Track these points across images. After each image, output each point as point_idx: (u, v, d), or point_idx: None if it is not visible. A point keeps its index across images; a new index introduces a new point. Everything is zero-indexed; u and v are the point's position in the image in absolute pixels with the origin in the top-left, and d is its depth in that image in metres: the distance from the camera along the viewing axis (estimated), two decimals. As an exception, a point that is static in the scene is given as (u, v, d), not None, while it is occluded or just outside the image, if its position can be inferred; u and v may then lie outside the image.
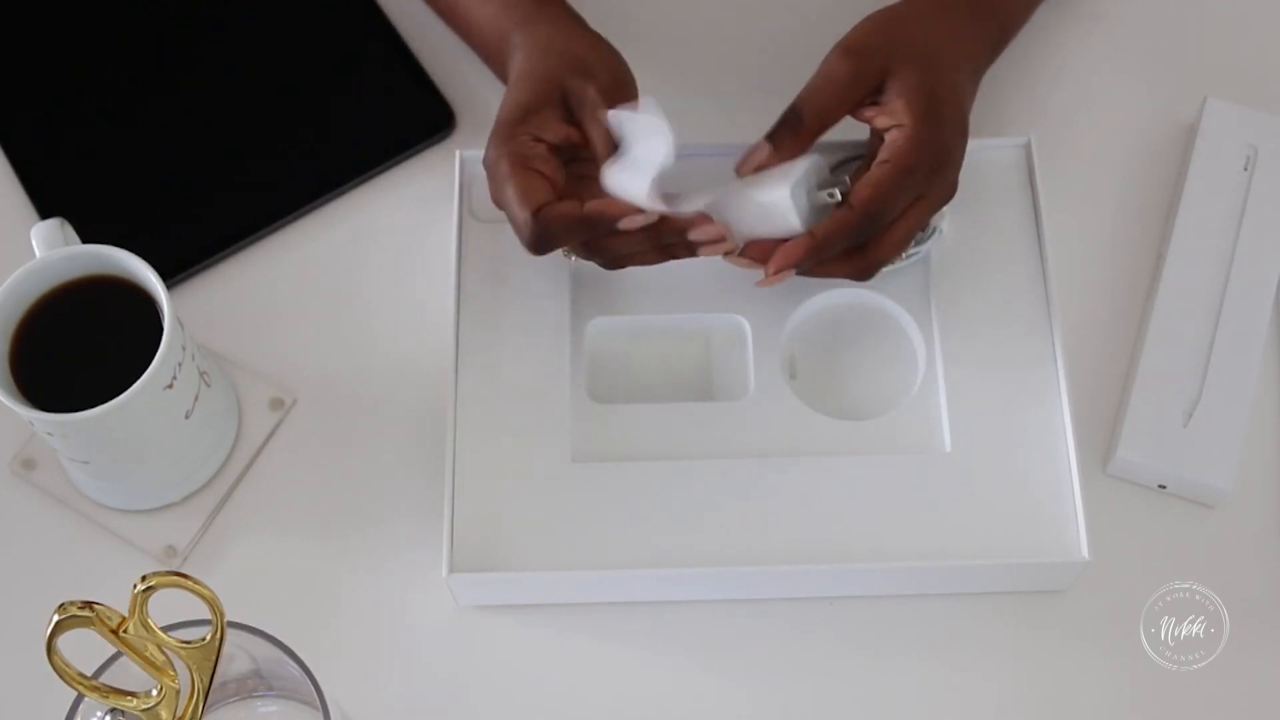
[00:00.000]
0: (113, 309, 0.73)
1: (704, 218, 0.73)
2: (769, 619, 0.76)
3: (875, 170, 0.73)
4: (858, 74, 0.74)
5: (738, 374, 0.80)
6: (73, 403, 0.70)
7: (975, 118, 0.85)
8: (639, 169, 0.71)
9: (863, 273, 0.75)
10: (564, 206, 0.72)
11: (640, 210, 0.71)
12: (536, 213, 0.71)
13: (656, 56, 0.83)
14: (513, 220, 0.73)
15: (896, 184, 0.72)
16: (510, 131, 0.73)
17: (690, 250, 0.74)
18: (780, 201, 0.72)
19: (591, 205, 0.72)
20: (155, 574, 0.58)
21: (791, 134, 0.74)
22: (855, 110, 0.75)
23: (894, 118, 0.73)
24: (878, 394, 0.79)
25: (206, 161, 0.87)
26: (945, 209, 0.78)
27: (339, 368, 0.82)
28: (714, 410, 0.78)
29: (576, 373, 0.78)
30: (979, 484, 0.75)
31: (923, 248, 0.79)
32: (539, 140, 0.73)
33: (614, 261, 0.75)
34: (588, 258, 0.75)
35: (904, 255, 0.79)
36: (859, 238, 0.73)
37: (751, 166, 0.74)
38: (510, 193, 0.72)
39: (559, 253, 0.79)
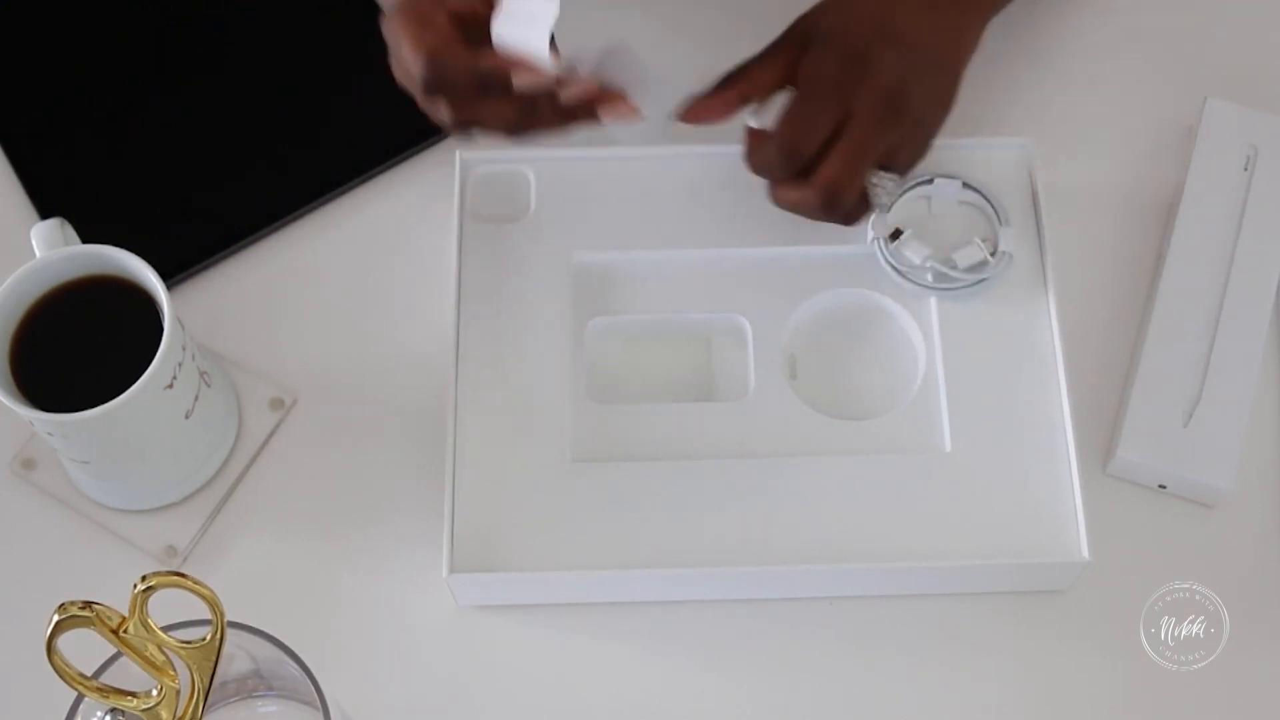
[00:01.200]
0: (113, 309, 0.73)
1: (614, 96, 0.71)
2: (769, 619, 0.76)
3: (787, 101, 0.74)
4: (782, 58, 0.75)
5: (738, 374, 0.80)
6: (73, 403, 0.70)
7: (975, 117, 0.85)
8: (531, 21, 0.68)
9: (823, 203, 0.74)
10: (460, 55, 0.69)
11: (534, 69, 0.68)
12: (431, 58, 0.69)
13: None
14: (405, 73, 0.71)
15: (802, 101, 0.73)
16: None
17: (592, 116, 0.72)
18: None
19: (487, 58, 0.69)
20: (155, 574, 0.58)
21: (731, 83, 0.75)
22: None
23: (803, 52, 0.74)
24: (878, 394, 0.79)
25: (206, 161, 0.87)
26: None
27: (339, 368, 0.82)
28: (714, 410, 0.78)
29: (576, 373, 0.78)
30: (979, 484, 0.75)
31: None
32: (440, 5, 0.70)
33: (512, 127, 0.72)
34: (479, 125, 0.72)
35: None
36: (779, 164, 0.74)
37: (690, 116, 0.74)
38: (405, 44, 0.70)
39: (556, 249, 0.80)
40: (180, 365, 0.72)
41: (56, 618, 0.57)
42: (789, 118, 0.73)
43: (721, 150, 0.81)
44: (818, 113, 0.73)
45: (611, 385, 0.80)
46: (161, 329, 0.71)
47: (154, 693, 0.60)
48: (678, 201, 0.81)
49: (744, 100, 0.75)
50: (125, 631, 0.58)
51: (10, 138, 0.88)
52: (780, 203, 0.76)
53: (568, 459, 0.76)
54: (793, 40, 0.75)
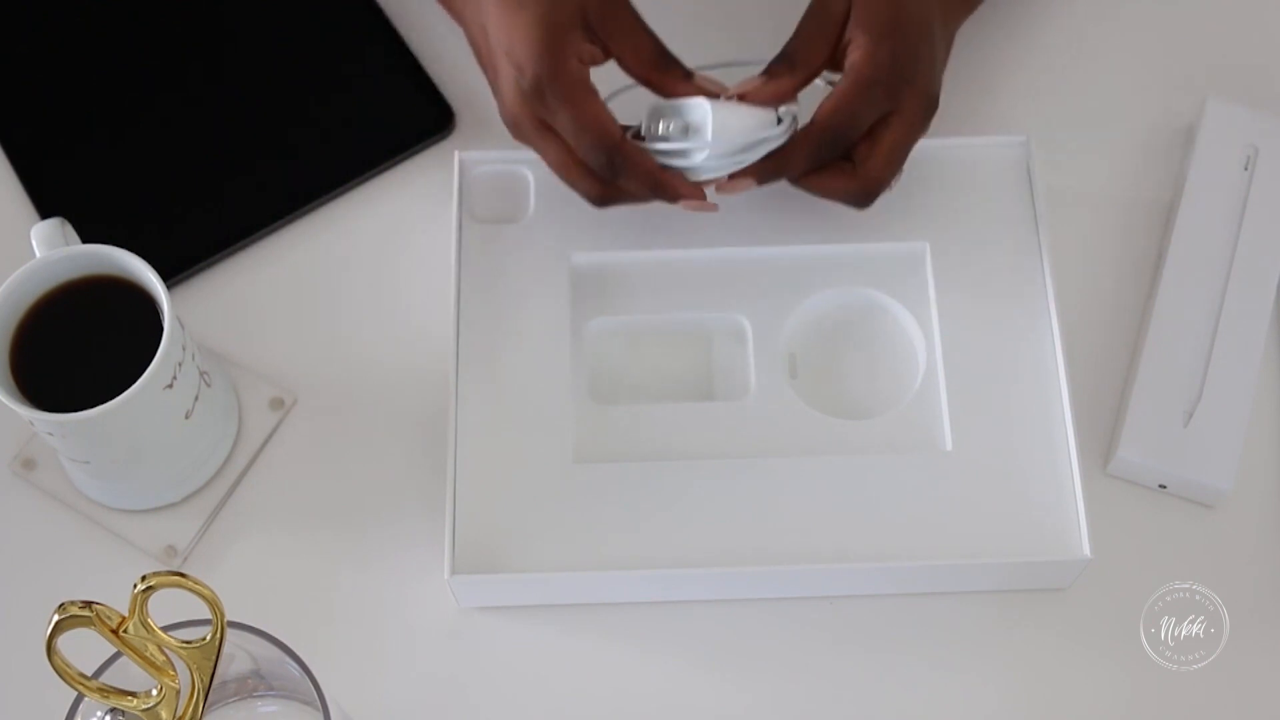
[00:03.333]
0: (113, 309, 0.73)
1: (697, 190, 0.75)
2: (769, 619, 0.76)
3: (836, 87, 0.74)
4: (826, 9, 0.74)
5: (738, 374, 0.80)
6: (73, 403, 0.70)
7: (973, 115, 0.85)
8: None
9: (861, 195, 0.76)
10: (643, 158, 0.73)
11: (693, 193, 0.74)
12: (620, 144, 0.72)
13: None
14: (582, 148, 0.72)
15: (857, 98, 0.73)
16: (559, 51, 0.70)
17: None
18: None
19: (667, 175, 0.73)
20: (155, 574, 0.58)
21: (786, 69, 0.74)
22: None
23: (854, 40, 0.74)
24: (878, 394, 0.79)
25: (206, 161, 0.87)
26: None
27: (339, 368, 0.82)
28: (714, 410, 0.78)
29: (577, 373, 0.78)
30: (979, 484, 0.75)
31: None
32: (581, 63, 0.71)
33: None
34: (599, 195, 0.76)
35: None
36: (822, 153, 0.74)
37: (740, 93, 0.74)
38: (583, 118, 0.71)
39: (556, 250, 0.80)
40: (180, 365, 0.72)
41: (56, 618, 0.57)
42: (841, 107, 0.73)
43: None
44: (869, 107, 0.73)
45: (611, 385, 0.80)
46: (161, 329, 0.71)
47: (154, 693, 0.60)
48: (678, 201, 0.81)
49: (800, 87, 0.75)
50: (125, 631, 0.58)
51: (10, 138, 0.88)
52: (816, 188, 0.76)
53: (569, 459, 0.76)
54: (832, 18, 0.74)
